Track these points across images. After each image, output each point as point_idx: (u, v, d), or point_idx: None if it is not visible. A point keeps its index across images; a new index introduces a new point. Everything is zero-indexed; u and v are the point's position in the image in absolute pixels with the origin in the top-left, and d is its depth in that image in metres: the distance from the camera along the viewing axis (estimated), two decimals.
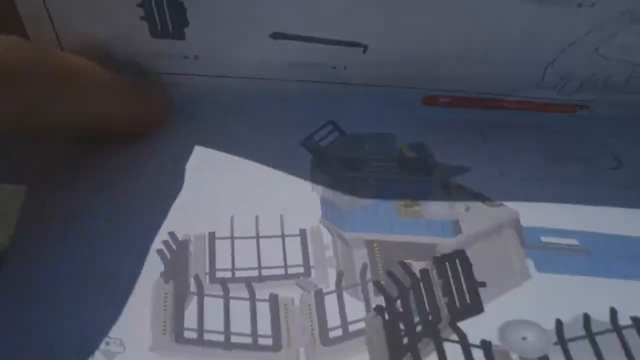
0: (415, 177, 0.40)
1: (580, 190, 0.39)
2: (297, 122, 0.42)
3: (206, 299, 0.32)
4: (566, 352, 0.30)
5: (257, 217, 0.36)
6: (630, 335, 0.31)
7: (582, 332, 0.31)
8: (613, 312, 0.31)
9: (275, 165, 0.39)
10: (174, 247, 0.34)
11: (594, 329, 0.31)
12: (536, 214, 0.37)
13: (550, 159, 0.41)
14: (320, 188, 0.38)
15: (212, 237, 0.35)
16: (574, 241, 0.36)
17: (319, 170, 0.39)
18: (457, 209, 0.37)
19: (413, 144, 0.41)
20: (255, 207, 0.37)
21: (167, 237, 0.35)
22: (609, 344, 0.30)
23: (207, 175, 0.38)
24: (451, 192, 0.39)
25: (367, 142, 0.42)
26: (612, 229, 0.37)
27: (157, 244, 0.34)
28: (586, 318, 0.31)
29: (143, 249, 0.34)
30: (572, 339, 0.31)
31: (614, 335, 0.31)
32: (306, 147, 0.41)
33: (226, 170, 0.38)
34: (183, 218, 0.36)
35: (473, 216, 0.37)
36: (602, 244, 0.36)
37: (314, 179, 0.39)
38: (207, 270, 0.34)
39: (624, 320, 0.32)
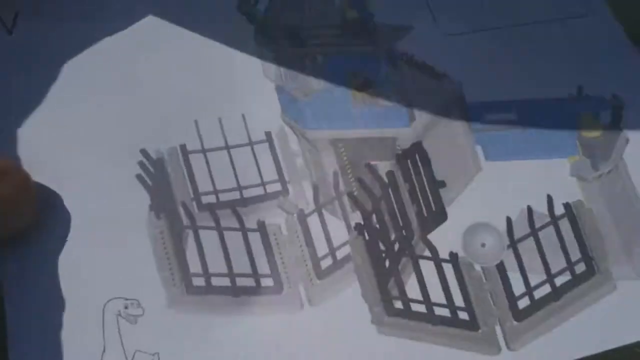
0: (360, 44, 0.40)
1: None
2: None
3: (201, 232, 0.36)
4: (517, 256, 0.36)
5: (220, 120, 0.38)
6: (563, 225, 0.37)
7: (527, 230, 0.37)
8: (550, 201, 0.37)
9: (219, 45, 0.38)
10: (151, 169, 0.36)
11: (537, 223, 0.37)
12: (478, 83, 0.40)
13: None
14: (271, 72, 0.38)
15: (184, 151, 0.37)
16: (511, 116, 0.39)
17: (264, 47, 0.38)
18: (407, 90, 0.38)
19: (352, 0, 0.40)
20: (215, 108, 0.38)
21: (140, 157, 0.36)
22: (549, 239, 0.37)
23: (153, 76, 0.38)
24: (399, 66, 0.39)
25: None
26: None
27: (133, 166, 0.36)
28: (530, 213, 0.37)
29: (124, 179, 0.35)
30: (520, 239, 0.37)
31: (552, 229, 0.37)
32: (244, 13, 0.39)
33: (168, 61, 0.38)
34: (150, 132, 0.37)
35: (421, 93, 0.39)
36: (532, 113, 0.39)
37: (262, 62, 0.38)
38: (192, 195, 0.36)
39: (558, 208, 0.38)
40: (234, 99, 0.37)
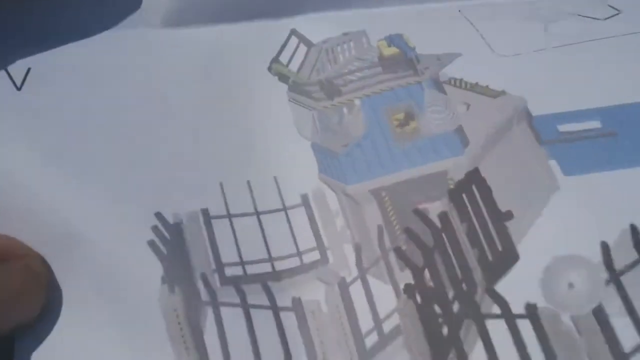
0: (402, 75, 0.34)
1: (584, 50, 0.34)
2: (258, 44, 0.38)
3: (222, 309, 0.31)
4: (622, 293, 0.27)
5: (249, 183, 0.34)
6: None
7: (634, 255, 0.27)
8: None
9: (251, 106, 0.36)
10: (167, 234, 0.32)
11: None
12: (545, 96, 0.32)
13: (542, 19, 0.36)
14: (307, 129, 0.34)
15: (206, 216, 0.33)
16: (596, 123, 0.30)
17: (300, 105, 0.34)
18: (456, 111, 0.32)
19: (389, 38, 0.35)
20: (243, 170, 0.34)
21: (155, 221, 0.32)
22: None
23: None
24: (444, 90, 0.33)
25: (338, 46, 0.35)
26: (632, 94, 0.32)
27: (146, 232, 0.32)
28: (635, 233, 0.27)
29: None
30: (624, 270, 0.27)
31: None
32: (275, 74, 0.35)
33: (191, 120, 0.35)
34: (168, 193, 0.33)
35: (476, 115, 0.32)
36: (626, 119, 0.30)
37: (297, 120, 0.34)
38: (214, 266, 0.32)
39: None
40: (265, 161, 0.34)
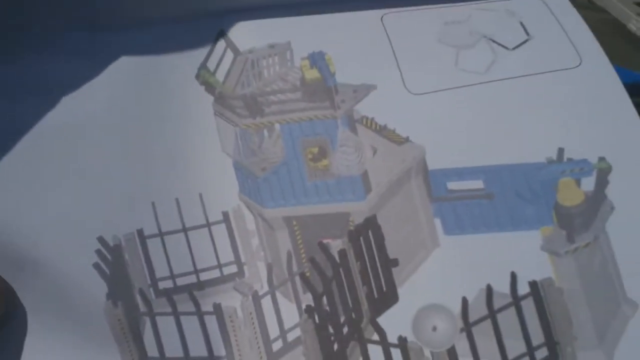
0: (319, 107, 0.40)
1: (486, 93, 0.41)
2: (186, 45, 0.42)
3: (158, 318, 0.40)
4: (470, 339, 0.36)
5: (177, 200, 0.40)
6: (527, 306, 0.36)
7: (485, 311, 0.37)
8: (513, 278, 0.37)
9: (179, 119, 0.40)
10: (109, 256, 0.39)
11: (496, 304, 0.37)
12: (443, 144, 0.39)
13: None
14: (229, 146, 0.40)
15: (141, 236, 0.40)
16: (479, 183, 0.38)
17: (222, 119, 0.40)
18: (364, 155, 0.39)
19: (312, 57, 0.40)
20: (172, 187, 0.40)
21: (97, 245, 0.40)
22: (509, 320, 0.36)
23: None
24: (357, 130, 0.39)
25: (263, 60, 0.41)
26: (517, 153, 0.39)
27: (90, 255, 0.39)
28: (489, 292, 0.37)
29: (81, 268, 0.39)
30: (476, 322, 0.37)
31: (513, 310, 0.36)
32: (202, 83, 0.41)
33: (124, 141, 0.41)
34: (105, 215, 0.40)
35: (381, 161, 0.39)
36: (504, 180, 0.38)
37: (221, 135, 0.40)
38: (149, 281, 0.40)
39: (522, 287, 0.37)
40: (192, 178, 0.40)
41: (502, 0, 0.44)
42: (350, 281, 0.38)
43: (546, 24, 0.43)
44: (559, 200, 0.38)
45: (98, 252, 0.39)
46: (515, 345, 0.36)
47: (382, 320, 0.38)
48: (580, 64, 0.41)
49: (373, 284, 0.38)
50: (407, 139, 0.39)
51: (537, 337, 0.36)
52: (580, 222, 0.37)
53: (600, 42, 0.43)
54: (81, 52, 0.41)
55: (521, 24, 0.43)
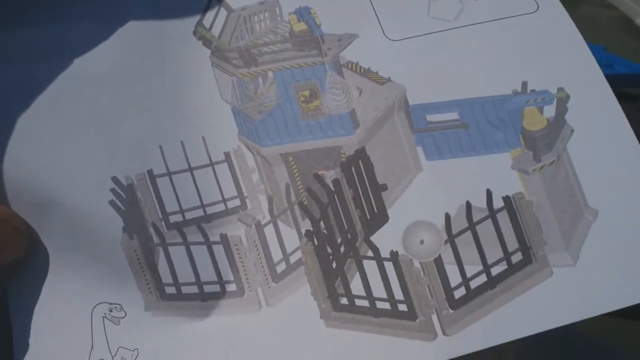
0: (308, 55, 0.45)
1: (457, 38, 0.47)
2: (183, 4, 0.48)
3: (170, 248, 0.45)
4: (454, 249, 0.42)
5: (182, 144, 0.45)
6: (502, 218, 0.42)
7: (466, 224, 0.42)
8: (489, 195, 0.43)
9: (180, 71, 0.45)
10: (123, 194, 0.44)
11: (475, 217, 0.42)
12: (422, 84, 0.45)
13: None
14: (228, 94, 0.45)
15: (152, 176, 0.45)
16: (454, 115, 0.44)
17: (220, 70, 0.45)
18: (351, 95, 0.44)
19: (299, 12, 0.46)
20: (177, 132, 0.46)
21: (112, 185, 0.45)
22: (487, 231, 0.42)
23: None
24: (343, 73, 0.45)
25: (254, 16, 0.46)
26: (486, 86, 0.45)
27: (106, 194, 0.44)
28: (468, 208, 0.42)
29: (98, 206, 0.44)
30: (458, 234, 0.42)
31: (490, 222, 0.42)
32: (199, 38, 0.46)
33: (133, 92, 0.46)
34: (119, 159, 0.45)
35: (366, 100, 0.45)
36: (477, 112, 0.44)
37: (219, 84, 0.45)
38: (161, 216, 0.45)
39: (497, 201, 0.43)
40: (195, 123, 0.44)
41: None
42: (344, 206, 0.44)
43: None
44: (524, 125, 0.44)
45: (113, 190, 0.44)
46: (493, 252, 0.42)
47: (375, 238, 0.43)
48: (537, 9, 0.47)
49: (365, 207, 0.44)
50: (388, 79, 0.45)
51: (512, 243, 0.42)
52: (544, 143, 0.43)
53: (609, 37, 0.49)
54: (92, 15, 0.46)
55: None
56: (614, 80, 0.46)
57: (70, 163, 0.45)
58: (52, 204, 0.44)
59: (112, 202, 0.44)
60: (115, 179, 0.44)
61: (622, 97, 0.47)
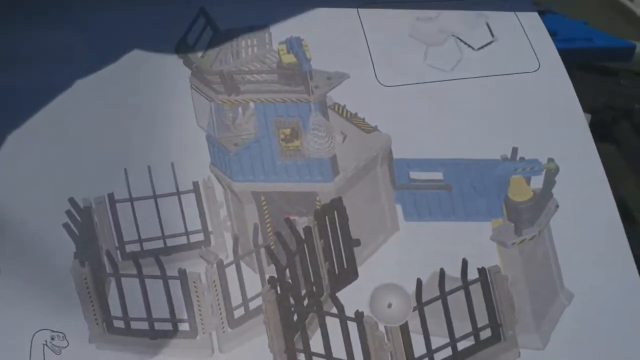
0: (294, 91, 0.43)
1: (451, 89, 0.45)
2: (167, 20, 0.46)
3: (123, 279, 0.43)
4: (422, 317, 0.40)
5: (149, 168, 0.42)
6: (475, 290, 0.41)
7: (437, 292, 0.41)
8: (464, 264, 0.41)
9: (156, 90, 0.43)
10: (78, 218, 0.42)
11: (447, 287, 0.41)
12: (409, 136, 0.44)
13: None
14: (204, 120, 0.43)
15: (112, 200, 0.43)
16: (438, 175, 0.42)
17: (199, 93, 0.43)
18: (334, 140, 0.42)
19: (289, 42, 0.43)
20: (145, 156, 0.43)
21: (68, 206, 0.42)
22: (458, 302, 0.41)
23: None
24: (328, 115, 0.43)
25: (242, 40, 0.43)
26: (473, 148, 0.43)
27: (61, 215, 0.42)
28: (441, 276, 0.41)
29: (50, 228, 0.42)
30: (428, 302, 0.41)
31: (462, 293, 0.41)
32: (181, 56, 0.43)
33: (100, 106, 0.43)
34: (78, 178, 0.42)
35: (350, 147, 0.43)
36: (461, 174, 0.43)
37: (197, 108, 0.43)
38: (117, 244, 0.43)
39: (472, 272, 0.41)
40: (165, 147, 0.42)
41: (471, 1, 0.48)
42: (313, 256, 0.42)
43: (511, 28, 0.48)
44: (509, 195, 0.42)
45: (68, 212, 0.41)
46: (462, 326, 0.41)
47: (341, 295, 0.42)
48: (538, 68, 0.46)
49: (335, 261, 0.42)
50: (375, 128, 0.43)
51: (483, 319, 0.41)
52: (527, 217, 0.42)
53: (590, 12, 0.50)
54: (69, 23, 0.43)
55: (487, 25, 0.47)
56: (593, 54, 0.47)
57: (24, 177, 0.42)
58: (1, 220, 0.41)
59: (65, 225, 0.41)
60: (72, 201, 0.42)
61: (602, 71, 0.48)
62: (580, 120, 0.45)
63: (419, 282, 0.42)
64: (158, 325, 0.42)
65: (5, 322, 0.41)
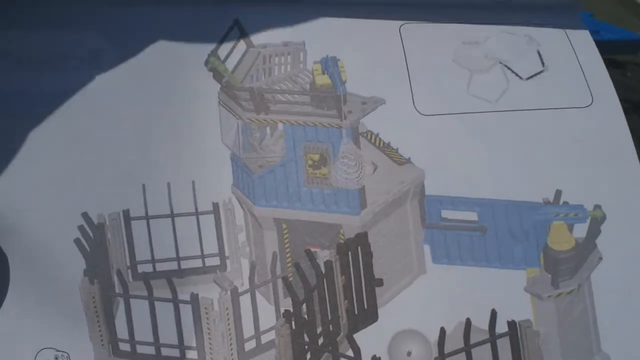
0: (326, 115, 0.40)
1: (494, 121, 0.42)
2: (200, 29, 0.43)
3: (132, 301, 0.41)
4: None
5: (168, 185, 0.40)
6: (502, 345, 0.38)
7: (461, 344, 0.38)
8: (493, 316, 0.38)
9: (178, 104, 0.41)
10: (91, 234, 0.40)
11: (473, 339, 0.38)
12: (443, 171, 0.40)
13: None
14: (230, 138, 0.40)
15: (127, 217, 0.41)
16: (473, 215, 0.39)
17: (226, 109, 0.41)
18: (364, 171, 0.40)
19: (325, 62, 0.41)
20: (166, 172, 0.41)
21: (81, 221, 0.40)
22: (483, 357, 0.38)
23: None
24: (360, 143, 0.40)
25: (275, 57, 0.41)
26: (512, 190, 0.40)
27: (72, 230, 0.40)
28: (467, 326, 0.38)
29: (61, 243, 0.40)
30: (451, 354, 0.38)
31: (488, 347, 0.38)
32: (211, 69, 0.41)
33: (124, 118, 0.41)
34: (92, 193, 0.40)
35: (380, 179, 0.40)
36: (498, 216, 0.40)
37: (223, 125, 0.40)
38: (128, 263, 0.41)
39: (501, 325, 0.38)
40: (187, 164, 0.40)
41: (524, 26, 0.45)
42: (332, 293, 0.39)
43: (564, 57, 0.44)
44: (549, 243, 0.39)
45: (81, 228, 0.39)
46: None
47: (358, 337, 0.39)
48: (591, 103, 0.42)
49: (355, 300, 0.39)
50: (408, 160, 0.40)
51: None
52: (566, 268, 0.39)
53: (597, 4, 0.46)
54: (97, 25, 0.41)
55: (538, 53, 0.44)
56: (600, 47, 0.44)
57: (36, 187, 0.40)
58: (11, 231, 0.40)
59: (77, 241, 0.40)
60: (85, 216, 0.40)
61: (609, 64, 0.44)
62: (633, 165, 0.41)
63: (443, 331, 0.39)
64: (165, 351, 0.40)
65: (10, 337, 0.39)
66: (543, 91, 0.43)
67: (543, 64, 0.44)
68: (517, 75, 0.44)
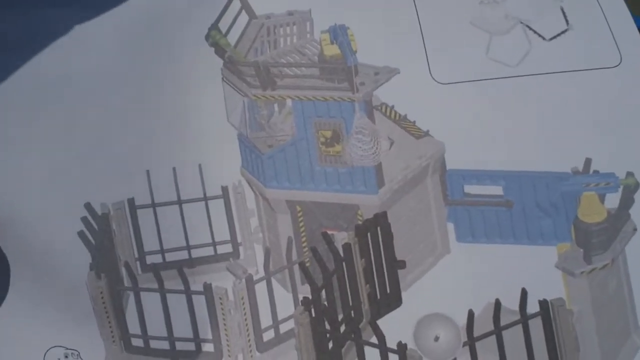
0: (336, 88, 0.38)
1: (516, 86, 0.39)
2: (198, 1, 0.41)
3: (142, 294, 0.39)
4: (473, 354, 0.36)
5: (174, 170, 0.39)
6: (534, 325, 0.36)
7: (491, 327, 0.36)
8: (523, 295, 0.36)
9: (183, 82, 0.39)
10: (95, 225, 0.39)
11: (503, 320, 0.36)
12: (465, 142, 0.38)
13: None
14: (236, 117, 0.38)
15: (132, 206, 0.39)
16: (498, 189, 0.37)
17: (231, 86, 0.38)
18: (380, 146, 0.38)
19: (333, 30, 0.38)
20: (170, 155, 0.39)
21: (84, 212, 0.39)
22: (514, 339, 0.36)
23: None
24: (374, 117, 0.38)
25: (280, 27, 0.39)
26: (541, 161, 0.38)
27: (76, 222, 0.38)
28: (497, 307, 0.36)
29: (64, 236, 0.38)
30: (481, 337, 0.36)
31: (520, 328, 0.36)
32: (212, 44, 0.39)
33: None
34: (95, 181, 0.39)
35: (397, 155, 0.38)
36: (525, 188, 0.38)
37: (228, 103, 0.38)
38: (136, 255, 0.40)
39: (532, 304, 0.36)
40: (192, 147, 0.38)
41: None
42: (352, 278, 0.37)
43: (589, 13, 0.41)
44: (579, 215, 0.37)
45: (84, 219, 0.38)
46: None
47: (382, 322, 0.38)
48: (620, 63, 0.40)
49: (376, 284, 0.38)
50: (427, 133, 0.38)
51: (542, 359, 0.36)
52: (598, 241, 0.37)
53: None
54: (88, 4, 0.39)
55: (562, 9, 0.41)
56: None
57: (35, 179, 0.39)
58: (11, 225, 0.38)
59: (81, 234, 0.38)
60: (88, 206, 0.38)
61: None
62: None
63: (471, 314, 0.37)
64: (180, 345, 0.39)
65: (18, 337, 0.38)
66: (568, 52, 0.41)
67: (567, 22, 0.42)
68: (539, 35, 0.41)
